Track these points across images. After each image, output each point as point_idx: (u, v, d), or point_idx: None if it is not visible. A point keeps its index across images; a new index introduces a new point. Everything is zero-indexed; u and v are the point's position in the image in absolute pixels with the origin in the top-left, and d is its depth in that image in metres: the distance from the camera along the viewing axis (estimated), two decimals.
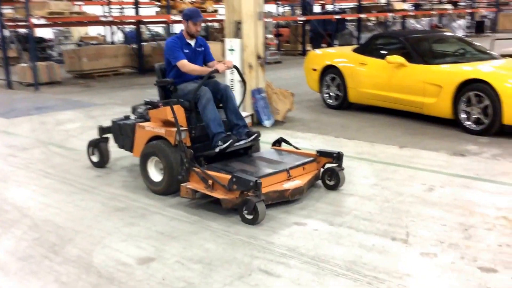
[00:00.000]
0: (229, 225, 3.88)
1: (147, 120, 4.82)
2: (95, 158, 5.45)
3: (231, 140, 4.38)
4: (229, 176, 3.94)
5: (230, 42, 7.00)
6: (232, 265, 3.25)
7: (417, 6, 24.92)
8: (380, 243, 3.50)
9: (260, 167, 4.41)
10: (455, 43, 8.01)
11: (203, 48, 4.95)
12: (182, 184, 4.17)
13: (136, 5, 14.94)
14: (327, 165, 4.61)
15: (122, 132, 5.11)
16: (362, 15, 20.51)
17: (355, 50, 8.22)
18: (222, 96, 4.67)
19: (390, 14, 21.51)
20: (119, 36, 21.95)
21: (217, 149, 4.39)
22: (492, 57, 7.36)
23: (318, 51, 9.33)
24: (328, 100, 8.43)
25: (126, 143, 5.08)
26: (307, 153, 4.76)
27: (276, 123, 7.24)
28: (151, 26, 18.83)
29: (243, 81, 5.05)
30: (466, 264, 3.19)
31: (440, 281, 3.01)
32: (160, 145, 4.45)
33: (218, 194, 3.99)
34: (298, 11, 21.74)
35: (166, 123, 4.51)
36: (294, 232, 3.71)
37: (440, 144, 5.99)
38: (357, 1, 21.04)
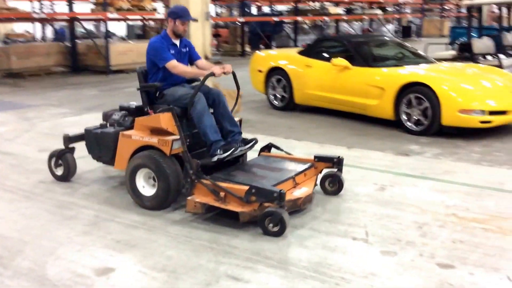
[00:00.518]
0: (189, 230, 3.78)
1: (126, 127, 4.43)
2: (59, 171, 4.87)
3: (232, 149, 4.12)
4: (245, 188, 3.69)
5: None
6: (198, 272, 3.16)
7: (349, 11, 25.68)
8: (342, 243, 3.54)
9: (264, 175, 4.11)
10: (394, 47, 8.31)
11: (188, 49, 4.62)
12: (189, 198, 3.83)
13: (70, 1, 14.36)
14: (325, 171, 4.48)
15: (99, 142, 4.56)
16: (299, 18, 20.88)
17: (301, 53, 8.31)
18: (214, 101, 4.34)
19: (325, 18, 22.04)
20: (49, 33, 21.02)
21: (215, 158, 4.09)
22: (429, 61, 7.70)
23: (263, 52, 9.36)
24: (274, 101, 8.48)
25: (105, 154, 4.54)
26: (303, 158, 4.58)
27: None
28: (84, 24, 18.14)
29: (238, 87, 4.71)
30: (425, 261, 3.28)
31: (403, 279, 3.08)
32: (152, 156, 4.04)
33: (233, 207, 3.71)
34: (236, 12, 21.74)
35: (156, 132, 4.12)
36: (256, 235, 3.67)
37: (384, 144, 6.17)
38: (293, 4, 21.38)
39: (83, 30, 17.98)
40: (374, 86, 6.94)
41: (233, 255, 3.39)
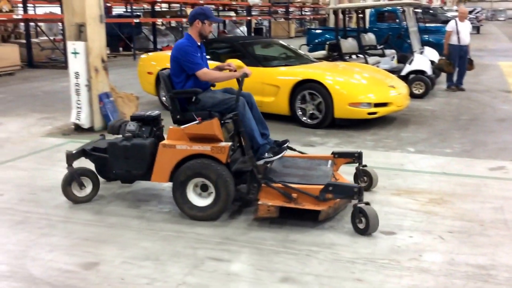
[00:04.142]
0: (148, 224, 3.89)
1: (158, 138, 4.29)
2: (83, 193, 4.31)
3: (284, 152, 4.26)
4: (318, 187, 3.80)
5: (73, 45, 6.78)
6: (180, 257, 3.33)
7: None
8: (295, 222, 3.92)
9: (308, 175, 4.15)
10: (278, 48, 8.95)
11: (205, 54, 4.55)
12: (260, 203, 3.80)
13: None
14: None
15: (130, 155, 4.12)
16: (158, 20, 20.89)
17: None
18: (247, 104, 4.26)
19: (183, 20, 22.31)
20: None
21: (261, 162, 4.11)
22: (311, 60, 8.45)
23: (146, 55, 9.36)
24: (166, 102, 8.58)
25: (137, 168, 4.13)
26: (321, 156, 4.74)
27: None
28: None
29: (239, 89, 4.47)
30: None
31: (359, 246, 3.56)
32: (209, 164, 3.87)
33: (310, 206, 3.79)
34: None
35: (200, 140, 3.96)
36: (215, 223, 3.89)
37: (287, 136, 6.68)
38: (150, 6, 21.29)
39: None
40: (269, 85, 7.44)
41: (204, 241, 3.60)
